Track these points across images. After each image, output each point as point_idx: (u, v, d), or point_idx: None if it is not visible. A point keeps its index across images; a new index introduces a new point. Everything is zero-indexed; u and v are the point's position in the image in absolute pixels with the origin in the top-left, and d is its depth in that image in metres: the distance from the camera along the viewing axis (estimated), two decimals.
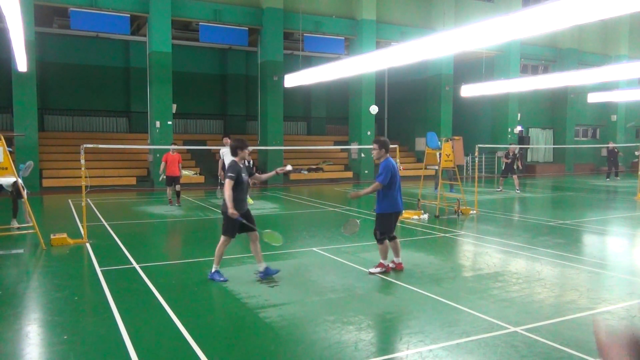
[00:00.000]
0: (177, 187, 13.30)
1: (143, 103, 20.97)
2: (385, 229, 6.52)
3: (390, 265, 6.67)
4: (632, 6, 5.64)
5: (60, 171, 18.25)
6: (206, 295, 5.81)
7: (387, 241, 6.58)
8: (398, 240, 6.75)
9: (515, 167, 17.60)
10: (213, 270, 6.26)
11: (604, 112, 30.28)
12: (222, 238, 6.20)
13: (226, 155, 12.55)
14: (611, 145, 22.92)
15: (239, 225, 6.09)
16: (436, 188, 14.60)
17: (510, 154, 17.66)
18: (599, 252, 8.53)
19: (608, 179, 22.28)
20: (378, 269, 6.58)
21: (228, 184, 5.91)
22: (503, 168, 17.99)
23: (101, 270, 6.80)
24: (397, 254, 6.72)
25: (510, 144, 19.08)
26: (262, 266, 6.27)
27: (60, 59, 22.49)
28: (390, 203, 6.46)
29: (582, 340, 4.41)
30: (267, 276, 6.24)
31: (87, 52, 23.01)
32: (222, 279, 6.18)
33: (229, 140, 12.60)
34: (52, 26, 19.88)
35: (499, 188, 17.66)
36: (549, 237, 9.17)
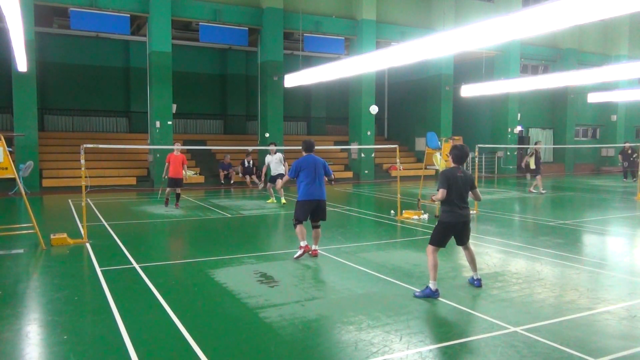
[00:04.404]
0: (178, 190, 13.05)
1: (143, 103, 20.98)
2: (297, 214, 7.45)
3: (309, 252, 7.53)
4: (632, 6, 5.64)
5: (60, 171, 18.24)
6: (206, 295, 5.81)
7: (301, 226, 7.42)
8: (319, 230, 7.63)
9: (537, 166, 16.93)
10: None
11: (604, 112, 30.29)
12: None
13: (272, 162, 13.28)
14: (627, 145, 22.73)
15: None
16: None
17: (539, 152, 17.08)
18: (599, 252, 8.52)
19: (625, 179, 22.09)
20: (299, 252, 7.40)
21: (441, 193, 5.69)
22: (534, 167, 17.13)
23: (101, 270, 6.80)
24: (315, 242, 7.62)
25: (537, 143, 18.17)
26: (476, 275, 5.99)
27: (60, 59, 22.50)
28: (302, 192, 7.43)
29: (582, 340, 4.41)
30: (472, 283, 5.97)
31: (87, 52, 23.01)
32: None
33: (274, 148, 13.38)
34: (52, 26, 19.90)
35: (541, 190, 16.86)
36: (549, 237, 9.16)
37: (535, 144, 18.51)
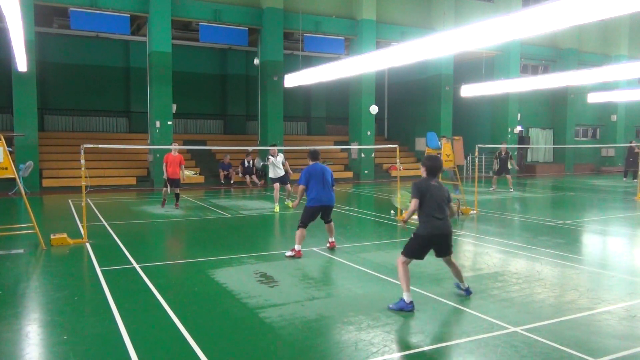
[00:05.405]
0: (177, 190, 13.02)
1: (143, 103, 20.97)
2: (304, 218, 7.69)
3: (327, 245, 8.08)
4: (632, 6, 5.64)
5: (60, 171, 18.24)
6: (206, 295, 5.81)
7: (303, 229, 7.64)
8: (332, 224, 8.09)
9: (509, 166, 17.65)
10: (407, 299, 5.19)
11: (604, 112, 30.29)
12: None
13: (274, 163, 13.12)
14: (634, 144, 22.71)
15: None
16: None
17: (503, 153, 17.72)
18: (599, 252, 8.53)
19: (625, 179, 22.15)
20: (290, 253, 7.60)
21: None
22: (497, 168, 17.92)
23: (101, 270, 6.80)
24: (330, 235, 8.15)
25: (502, 143, 19.05)
26: (464, 285, 5.63)
27: (60, 59, 22.50)
28: (312, 198, 7.67)
29: (582, 340, 4.41)
30: (459, 289, 5.66)
31: (87, 52, 23.01)
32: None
33: (276, 150, 13.25)
34: (52, 26, 19.89)
35: (491, 187, 17.72)
36: (549, 237, 9.16)
37: (501, 144, 18.92)
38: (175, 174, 12.82)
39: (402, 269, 5.27)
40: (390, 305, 5.19)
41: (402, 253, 5.36)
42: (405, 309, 5.10)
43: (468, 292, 5.62)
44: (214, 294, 5.82)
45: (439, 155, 11.93)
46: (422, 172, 5.50)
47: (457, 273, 5.62)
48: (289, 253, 7.62)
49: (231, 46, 24.07)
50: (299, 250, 7.60)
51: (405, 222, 5.50)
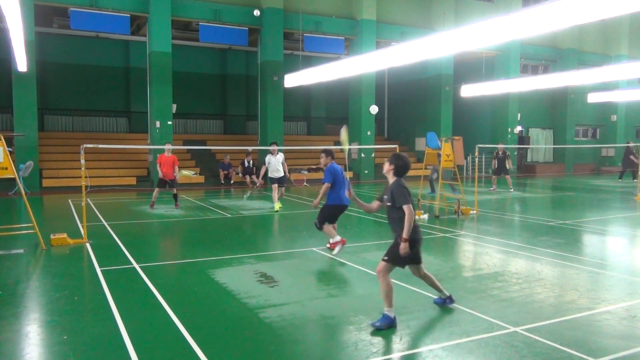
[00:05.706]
0: (173, 190, 13.04)
1: (143, 103, 20.98)
2: (326, 217, 7.63)
3: (327, 245, 7.88)
4: (632, 6, 5.64)
5: (60, 171, 18.25)
6: (206, 295, 5.81)
7: (327, 224, 7.60)
8: (336, 225, 7.95)
9: (507, 166, 17.76)
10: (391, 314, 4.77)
11: (604, 112, 30.30)
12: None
13: (274, 162, 12.90)
14: (631, 144, 22.69)
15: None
16: (433, 191, 14.77)
17: (500, 153, 17.81)
18: (599, 252, 8.53)
19: (620, 179, 22.18)
20: (337, 247, 7.56)
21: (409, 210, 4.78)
22: (496, 168, 18.04)
23: (101, 270, 6.80)
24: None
25: (499, 144, 19.19)
26: (445, 294, 5.28)
27: (60, 59, 22.50)
28: (335, 197, 7.61)
29: (582, 340, 4.41)
30: (444, 303, 5.27)
31: (87, 52, 23.01)
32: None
33: (276, 149, 13.05)
34: (52, 26, 19.90)
35: (492, 187, 17.77)
36: (549, 237, 9.16)
37: (498, 144, 19.18)
38: (169, 175, 12.87)
39: (387, 282, 4.77)
40: (377, 324, 4.67)
41: (385, 260, 4.81)
42: (393, 325, 4.70)
43: (451, 300, 5.26)
44: (214, 294, 5.82)
45: (439, 155, 11.94)
46: (387, 170, 4.99)
47: (433, 283, 5.23)
48: (336, 251, 7.55)
49: (231, 46, 24.08)
50: (341, 239, 7.62)
51: (407, 239, 4.70)
